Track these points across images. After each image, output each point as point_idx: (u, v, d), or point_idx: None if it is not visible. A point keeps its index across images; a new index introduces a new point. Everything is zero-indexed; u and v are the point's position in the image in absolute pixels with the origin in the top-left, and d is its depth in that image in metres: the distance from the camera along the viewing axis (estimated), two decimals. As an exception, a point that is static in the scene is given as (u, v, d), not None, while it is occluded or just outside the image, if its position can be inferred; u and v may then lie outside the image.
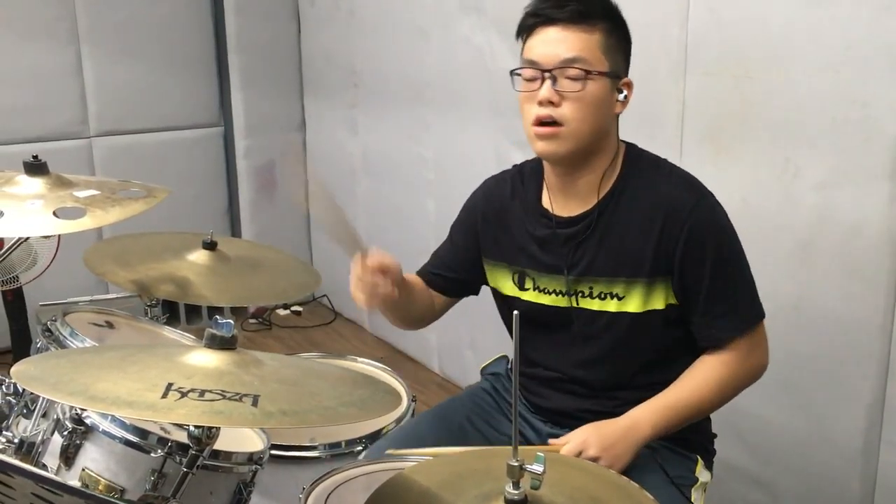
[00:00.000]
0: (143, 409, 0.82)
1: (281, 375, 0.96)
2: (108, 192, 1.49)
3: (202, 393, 0.85)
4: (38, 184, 1.54)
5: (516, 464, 0.97)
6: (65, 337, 1.51)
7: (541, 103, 1.43)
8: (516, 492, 0.98)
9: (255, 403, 0.84)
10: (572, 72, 1.40)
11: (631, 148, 1.55)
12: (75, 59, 3.53)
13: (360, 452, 1.69)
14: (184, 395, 0.85)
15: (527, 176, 1.60)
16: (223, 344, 0.98)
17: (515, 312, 0.96)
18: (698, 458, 1.56)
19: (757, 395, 1.67)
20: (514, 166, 1.64)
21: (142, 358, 0.97)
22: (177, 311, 3.80)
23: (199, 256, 1.84)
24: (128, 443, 1.17)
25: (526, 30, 1.47)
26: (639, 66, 2.28)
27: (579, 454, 1.41)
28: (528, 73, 1.45)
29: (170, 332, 1.74)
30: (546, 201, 1.57)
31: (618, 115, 1.49)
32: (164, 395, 0.85)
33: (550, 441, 1.47)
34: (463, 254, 1.68)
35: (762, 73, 2.00)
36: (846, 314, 1.90)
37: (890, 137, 1.75)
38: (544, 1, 1.44)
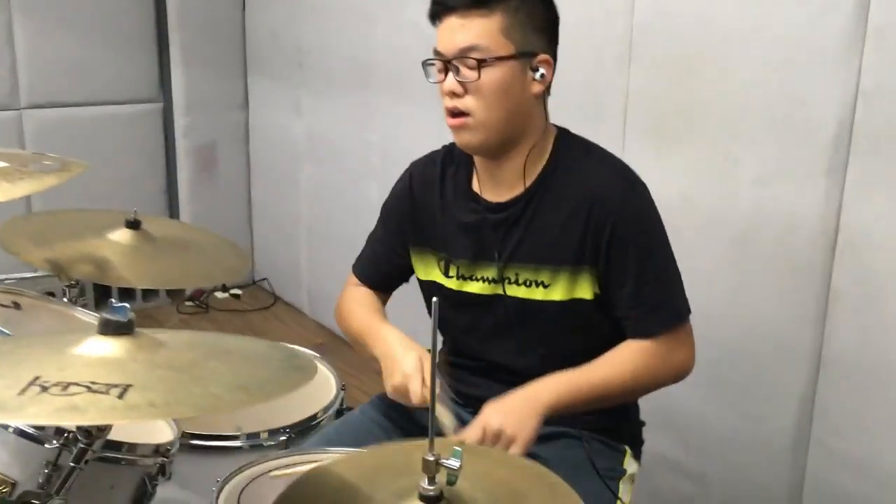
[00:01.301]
0: None
1: (175, 361, 0.90)
2: (18, 165, 1.41)
3: (66, 386, 0.80)
4: (-59, 154, 1.44)
5: (431, 458, 0.94)
6: (-35, 318, 1.42)
7: (447, 94, 1.40)
8: (431, 487, 0.94)
9: (121, 395, 0.79)
10: (469, 61, 1.37)
11: (563, 133, 1.51)
12: (5, 28, 3.38)
13: (284, 443, 1.64)
14: (44, 389, 0.80)
15: (457, 158, 1.56)
16: (118, 329, 0.92)
17: (435, 299, 0.92)
18: (626, 448, 1.55)
19: (689, 388, 1.66)
20: (444, 147, 1.59)
21: (25, 347, 0.91)
22: (108, 293, 3.68)
23: (122, 236, 1.76)
24: (21, 433, 1.10)
25: (432, 18, 1.43)
26: (583, 56, 2.28)
27: (484, 433, 1.35)
28: (437, 64, 1.41)
29: (83, 315, 1.66)
30: (476, 186, 1.53)
31: (541, 95, 1.44)
32: (22, 392, 0.79)
33: (459, 434, 1.40)
34: (394, 242, 1.63)
35: (706, 68, 1.98)
36: (780, 310, 1.91)
37: (828, 135, 1.75)
38: None
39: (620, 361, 1.45)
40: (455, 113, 1.40)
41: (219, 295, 3.93)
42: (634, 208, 1.43)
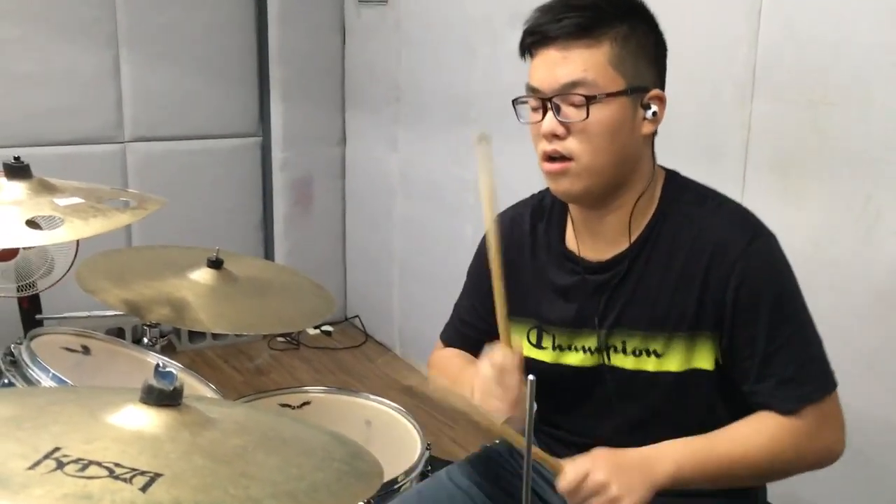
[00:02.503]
0: None
1: (220, 447, 0.77)
2: (93, 201, 1.33)
3: (86, 466, 0.67)
4: (18, 188, 1.39)
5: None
6: (26, 364, 1.34)
7: (545, 137, 1.22)
8: None
9: (145, 487, 0.66)
10: (575, 98, 1.18)
11: (672, 176, 1.32)
12: (113, 62, 3.43)
13: (364, 509, 1.49)
14: (60, 466, 0.67)
15: (548, 210, 1.38)
16: (161, 400, 0.80)
17: (531, 378, 0.76)
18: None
19: (825, 469, 1.43)
20: (532, 196, 1.41)
21: (58, 404, 0.80)
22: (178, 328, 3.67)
23: (203, 275, 1.68)
24: None
25: (526, 50, 1.25)
26: (699, 89, 2.09)
27: (584, 478, 1.16)
28: (532, 102, 1.24)
29: (156, 360, 1.57)
30: (571, 242, 1.34)
31: (650, 137, 1.26)
32: (35, 465, 0.67)
33: (559, 462, 1.22)
34: (481, 308, 1.45)
35: (841, 100, 1.77)
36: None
37: None
38: (543, 13, 1.22)
39: (757, 434, 1.22)
40: (555, 157, 1.23)
41: (310, 331, 3.87)
42: (761, 262, 1.22)
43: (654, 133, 1.28)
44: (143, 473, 0.68)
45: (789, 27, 1.86)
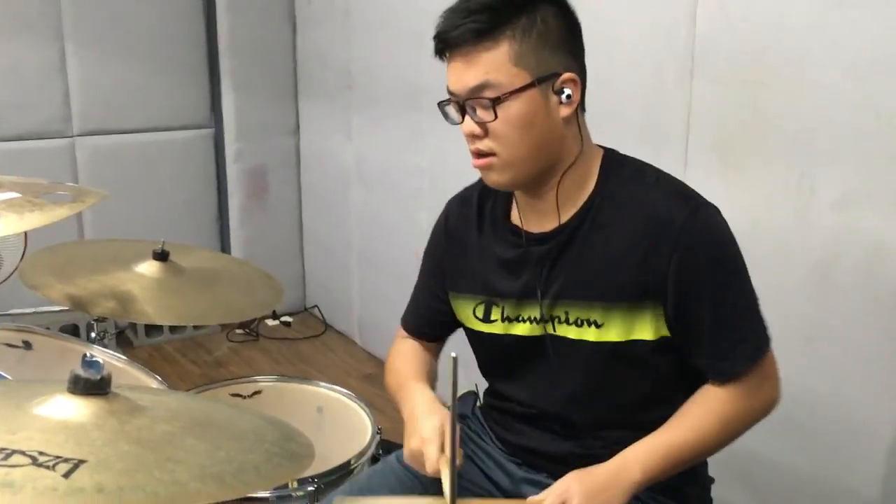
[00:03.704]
0: None
1: (147, 433, 0.78)
2: (31, 196, 1.32)
3: (9, 455, 0.68)
4: (-46, 185, 1.37)
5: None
6: (-34, 361, 1.34)
7: (467, 137, 1.27)
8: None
9: (68, 474, 0.66)
10: (482, 101, 1.22)
11: (609, 153, 1.35)
12: (59, 56, 3.38)
13: (313, 493, 1.51)
14: None
15: (494, 189, 1.40)
16: (89, 389, 0.80)
17: (452, 355, 0.78)
18: (691, 510, 1.37)
19: (764, 434, 1.47)
20: (480, 179, 1.43)
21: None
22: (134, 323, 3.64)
23: (149, 268, 1.68)
24: None
25: (439, 55, 1.28)
26: (642, 73, 2.12)
27: None
28: (452, 105, 1.28)
29: (100, 353, 1.57)
30: (515, 217, 1.37)
31: (571, 117, 1.27)
32: None
33: (530, 500, 1.24)
34: (436, 288, 1.49)
35: (777, 80, 1.81)
36: (866, 347, 1.71)
37: (919, 152, 1.56)
38: (446, 19, 1.25)
39: (707, 415, 1.27)
40: (479, 154, 1.27)
41: (269, 322, 3.86)
42: (702, 234, 1.25)
43: (580, 111, 1.30)
44: (66, 461, 0.69)
45: (725, 9, 1.89)
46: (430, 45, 1.30)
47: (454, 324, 1.49)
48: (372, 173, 3.41)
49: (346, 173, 3.55)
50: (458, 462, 1.19)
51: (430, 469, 1.23)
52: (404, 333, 1.56)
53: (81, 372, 0.81)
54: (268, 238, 3.88)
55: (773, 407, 1.32)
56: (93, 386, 0.80)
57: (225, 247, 3.88)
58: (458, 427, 1.07)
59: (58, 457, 0.69)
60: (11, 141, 3.32)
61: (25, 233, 2.35)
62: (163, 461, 0.73)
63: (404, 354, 1.51)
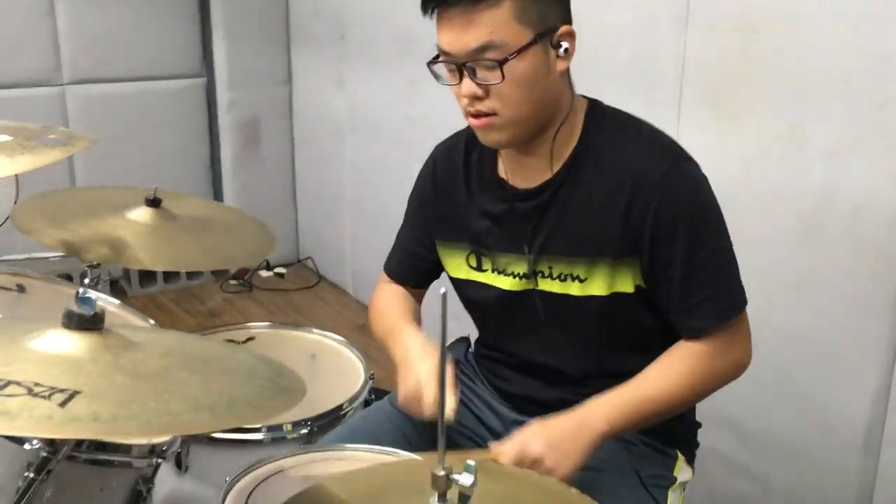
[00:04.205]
0: None
1: (141, 367, 0.79)
2: (22, 139, 1.32)
3: (4, 385, 0.69)
4: (-56, 128, 1.37)
5: (442, 473, 0.81)
6: (-40, 303, 1.35)
7: (465, 98, 1.23)
8: (442, 507, 0.82)
9: (63, 403, 0.68)
10: (487, 62, 1.18)
11: (594, 105, 1.33)
12: (47, 3, 3.33)
13: (307, 436, 1.54)
14: None
15: (479, 141, 1.38)
16: (82, 324, 0.81)
17: (442, 290, 0.79)
18: (678, 453, 1.39)
19: (751, 384, 1.50)
20: (468, 127, 1.40)
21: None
22: (153, 273, 3.66)
23: (142, 215, 1.67)
24: (1, 431, 1.01)
25: (427, 12, 1.23)
26: (635, 22, 2.11)
27: (521, 455, 1.20)
28: (445, 66, 1.23)
29: (94, 295, 1.57)
30: (502, 171, 1.36)
31: (565, 71, 1.27)
32: None
33: (490, 445, 1.26)
34: (421, 235, 1.49)
35: (770, 29, 1.80)
36: (852, 296, 1.73)
37: (910, 101, 1.57)
38: None
39: (674, 368, 1.28)
40: (478, 115, 1.24)
41: (263, 274, 3.88)
42: (679, 189, 1.24)
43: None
44: (62, 391, 0.70)
45: (721, -44, 1.88)
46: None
47: (438, 270, 1.50)
48: (364, 124, 3.40)
49: (339, 124, 3.53)
50: (453, 406, 1.20)
51: (428, 412, 1.24)
52: (387, 278, 1.56)
53: (76, 308, 0.82)
54: (261, 189, 3.87)
55: (742, 370, 1.32)
56: (87, 321, 0.82)
57: (217, 197, 3.88)
58: (451, 364, 1.08)
59: (53, 387, 0.71)
60: (1, 89, 3.29)
61: (17, 178, 2.34)
62: (157, 393, 0.75)
63: (390, 299, 1.52)
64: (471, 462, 0.81)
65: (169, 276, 3.72)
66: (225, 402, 0.76)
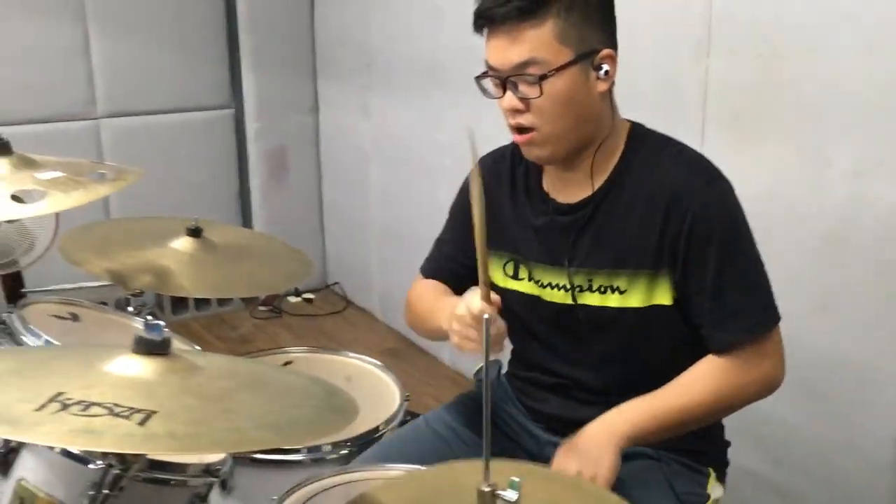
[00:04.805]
0: (3, 425, 0.72)
1: (207, 389, 0.85)
2: (73, 174, 1.39)
3: (88, 406, 0.75)
4: (1, 164, 1.44)
5: (487, 489, 0.85)
6: (19, 332, 1.40)
7: (508, 112, 1.31)
8: (487, 521, 0.86)
9: (143, 422, 0.73)
10: (528, 77, 1.26)
11: (636, 127, 1.40)
12: (82, 38, 3.43)
13: (345, 457, 1.58)
14: (65, 407, 0.75)
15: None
16: (151, 349, 0.87)
17: (486, 316, 0.84)
18: (710, 471, 1.42)
19: (779, 401, 1.52)
20: (513, 141, 1.49)
21: (56, 359, 0.87)
22: (184, 300, 3.73)
23: (183, 244, 1.73)
24: (67, 453, 1.07)
25: (479, 30, 1.32)
26: (659, 48, 2.16)
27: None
28: (491, 80, 1.32)
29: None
30: (546, 184, 1.43)
31: (606, 93, 1.33)
32: (41, 408, 0.74)
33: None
34: (462, 242, 1.53)
35: (792, 53, 1.84)
36: (878, 314, 1.75)
37: (931, 122, 1.60)
38: None
39: (700, 380, 1.33)
40: (520, 130, 1.32)
41: (291, 300, 3.93)
42: (714, 205, 1.30)
43: (611, 87, 1.35)
44: (139, 411, 0.76)
45: (741, -17, 1.92)
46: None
47: (472, 277, 1.54)
48: (391, 151, 3.46)
49: (365, 151, 3.60)
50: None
51: (476, 309, 1.24)
52: (422, 278, 1.59)
53: (145, 334, 0.88)
54: (289, 216, 3.94)
55: (774, 387, 1.35)
56: (156, 346, 0.87)
57: (247, 224, 3.95)
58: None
59: (131, 408, 0.76)
60: (38, 123, 3.38)
61: (57, 213, 2.42)
62: (224, 413, 0.80)
63: (427, 287, 1.54)
64: (515, 479, 0.85)
65: (200, 303, 3.79)
66: (286, 423, 0.81)
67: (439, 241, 1.61)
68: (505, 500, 0.85)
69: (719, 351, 1.33)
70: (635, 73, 2.19)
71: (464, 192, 1.55)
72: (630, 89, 2.12)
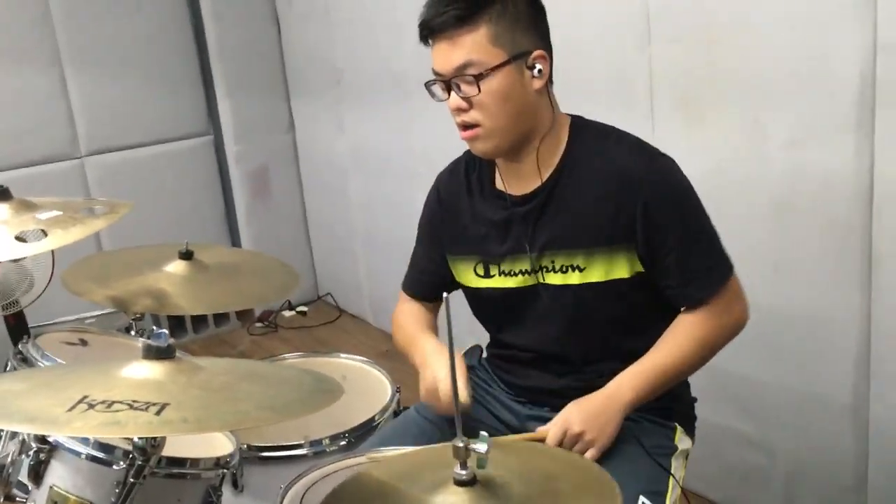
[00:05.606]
0: (44, 424, 0.86)
1: (210, 383, 0.98)
2: (70, 212, 1.51)
3: (111, 404, 0.88)
4: (2, 209, 1.56)
5: (461, 444, 0.99)
6: (35, 359, 1.53)
7: (454, 111, 1.46)
8: (464, 472, 0.99)
9: (159, 412, 0.87)
10: (467, 77, 1.41)
11: (577, 119, 1.54)
12: (59, 81, 3.54)
13: (346, 447, 1.71)
14: (91, 407, 0.88)
15: (478, 159, 1.59)
16: (159, 355, 1.00)
17: (445, 295, 0.96)
18: (676, 425, 1.56)
19: (742, 355, 1.66)
20: (465, 152, 1.63)
21: (77, 372, 1.00)
22: (182, 322, 3.85)
23: (177, 267, 1.86)
24: (92, 458, 1.20)
25: (424, 41, 1.47)
26: (605, 42, 2.29)
27: (564, 434, 1.40)
28: (438, 84, 1.46)
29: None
30: (499, 183, 1.57)
31: (543, 89, 1.47)
32: (71, 409, 0.88)
33: (538, 430, 1.45)
34: (433, 254, 1.68)
35: (725, 34, 1.98)
36: (826, 270, 1.89)
37: (852, 89, 1.74)
38: (429, 8, 1.44)
39: (684, 339, 1.47)
40: (465, 126, 1.46)
41: (286, 314, 4.05)
42: (662, 180, 1.45)
43: (549, 84, 1.48)
44: (154, 404, 0.89)
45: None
46: (409, 33, 1.47)
47: (451, 285, 1.69)
48: (367, 161, 3.58)
49: (343, 164, 3.72)
50: (466, 396, 1.38)
51: (445, 401, 1.43)
52: (406, 297, 1.75)
53: (152, 342, 1.01)
54: (275, 233, 4.06)
55: (743, 325, 1.51)
56: (162, 352, 1.01)
57: (235, 244, 4.05)
58: (461, 360, 1.26)
59: (147, 402, 0.89)
60: (24, 168, 3.48)
61: (53, 251, 2.54)
62: (227, 400, 0.93)
63: (408, 314, 1.72)
64: (484, 433, 0.99)
65: (198, 325, 3.91)
66: (282, 403, 0.95)
67: (413, 257, 1.76)
68: (477, 451, 0.98)
69: (692, 306, 1.47)
70: (586, 68, 2.34)
71: (426, 208, 1.70)
72: (584, 83, 2.27)
